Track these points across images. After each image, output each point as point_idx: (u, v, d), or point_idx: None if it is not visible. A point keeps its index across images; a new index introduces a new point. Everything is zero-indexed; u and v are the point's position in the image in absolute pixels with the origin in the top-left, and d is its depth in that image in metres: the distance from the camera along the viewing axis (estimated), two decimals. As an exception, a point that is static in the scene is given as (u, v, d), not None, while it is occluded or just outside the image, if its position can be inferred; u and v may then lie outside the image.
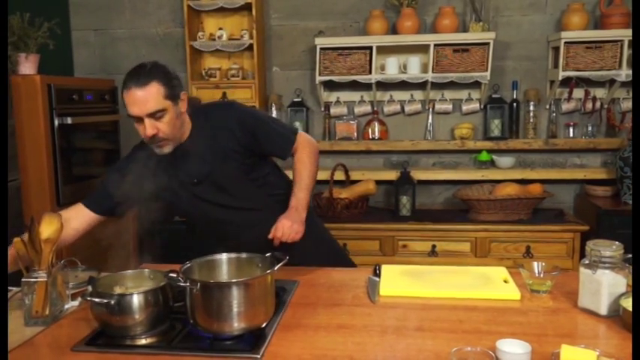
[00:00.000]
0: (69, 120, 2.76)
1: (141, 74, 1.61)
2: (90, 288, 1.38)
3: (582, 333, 1.39)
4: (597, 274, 1.45)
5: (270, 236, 1.70)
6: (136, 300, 1.33)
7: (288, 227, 1.70)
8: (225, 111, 1.86)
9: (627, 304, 1.39)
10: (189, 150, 1.76)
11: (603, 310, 1.44)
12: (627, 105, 3.35)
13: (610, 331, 1.37)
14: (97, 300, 1.33)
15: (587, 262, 1.48)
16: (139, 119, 1.63)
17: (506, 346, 1.20)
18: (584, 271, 1.49)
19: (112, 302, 1.32)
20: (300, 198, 1.79)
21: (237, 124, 1.79)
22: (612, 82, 3.25)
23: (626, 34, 3.08)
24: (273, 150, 1.89)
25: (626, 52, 3.11)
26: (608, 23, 3.16)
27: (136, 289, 1.39)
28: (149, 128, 1.62)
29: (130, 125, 3.85)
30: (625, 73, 3.13)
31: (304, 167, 1.87)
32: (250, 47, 3.43)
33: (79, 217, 1.82)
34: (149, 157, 1.74)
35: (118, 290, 1.41)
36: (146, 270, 1.51)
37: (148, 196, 1.67)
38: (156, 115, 1.62)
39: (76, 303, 1.56)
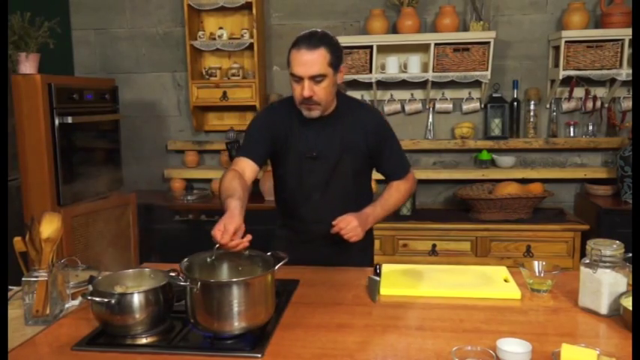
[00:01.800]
0: (69, 119, 2.76)
1: (312, 38, 1.71)
2: (90, 287, 1.38)
3: (583, 332, 1.39)
4: (598, 273, 1.45)
5: (334, 223, 1.75)
6: (137, 299, 1.33)
7: (353, 226, 1.75)
8: (369, 111, 1.94)
9: (628, 303, 1.39)
10: (325, 125, 1.83)
11: (604, 310, 1.44)
12: (628, 104, 3.34)
13: (610, 330, 1.37)
14: (97, 299, 1.33)
15: (587, 261, 1.48)
16: (299, 79, 1.71)
17: (506, 345, 1.20)
18: (584, 271, 1.49)
19: (113, 301, 1.32)
20: (377, 212, 1.87)
21: (374, 127, 1.90)
22: (613, 81, 3.25)
23: (627, 33, 3.08)
24: (387, 166, 1.96)
25: (627, 51, 3.10)
26: (608, 22, 3.15)
27: (136, 289, 1.39)
28: (307, 90, 1.71)
29: (130, 124, 3.86)
30: (625, 72, 3.13)
31: (397, 194, 1.95)
32: (251, 46, 3.43)
33: (248, 169, 1.82)
34: (287, 116, 1.84)
35: (118, 289, 1.41)
36: (147, 269, 1.51)
37: (279, 153, 1.83)
38: (316, 79, 1.71)
39: (76, 302, 1.56)
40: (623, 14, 3.13)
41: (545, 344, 1.25)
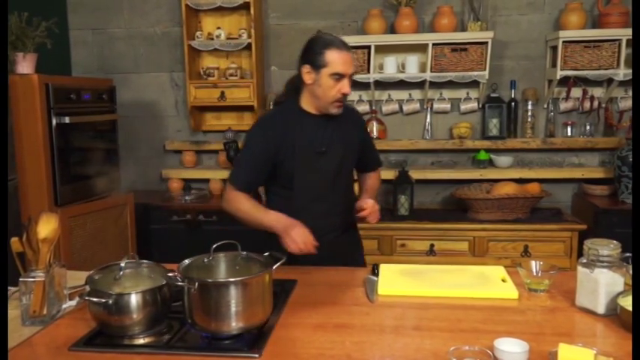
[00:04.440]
0: (67, 119, 2.76)
1: (342, 41, 1.88)
2: (88, 287, 1.38)
3: (580, 332, 1.39)
4: (595, 273, 1.45)
5: (365, 205, 1.91)
6: (134, 299, 1.33)
7: (376, 209, 1.95)
8: (353, 109, 2.17)
9: (625, 302, 1.39)
10: (327, 122, 1.94)
11: (601, 309, 1.44)
12: (625, 104, 3.35)
13: (608, 329, 1.38)
14: (94, 299, 1.33)
15: (584, 261, 1.48)
16: (340, 77, 1.84)
17: (504, 345, 1.20)
18: (581, 270, 1.49)
19: (110, 302, 1.32)
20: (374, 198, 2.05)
21: (361, 123, 2.15)
22: (610, 81, 3.25)
23: (624, 33, 3.09)
24: (370, 158, 2.17)
25: (624, 51, 3.11)
26: (606, 22, 3.16)
27: (134, 289, 1.39)
28: (347, 86, 1.86)
29: (127, 125, 3.84)
30: (623, 72, 3.13)
31: (378, 182, 2.21)
32: (248, 46, 3.43)
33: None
34: (288, 122, 1.93)
35: (116, 290, 1.40)
36: (145, 269, 1.50)
37: (285, 156, 1.90)
38: (352, 77, 1.88)
39: (73, 302, 1.56)
40: (620, 14, 3.13)
41: (543, 344, 1.26)
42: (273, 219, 1.84)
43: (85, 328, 1.41)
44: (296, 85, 1.96)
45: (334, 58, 1.82)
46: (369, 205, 1.92)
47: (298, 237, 1.73)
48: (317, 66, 1.84)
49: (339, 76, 1.83)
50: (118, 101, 3.29)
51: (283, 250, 1.68)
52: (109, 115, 3.16)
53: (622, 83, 3.23)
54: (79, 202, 2.90)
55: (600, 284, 1.44)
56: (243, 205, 1.90)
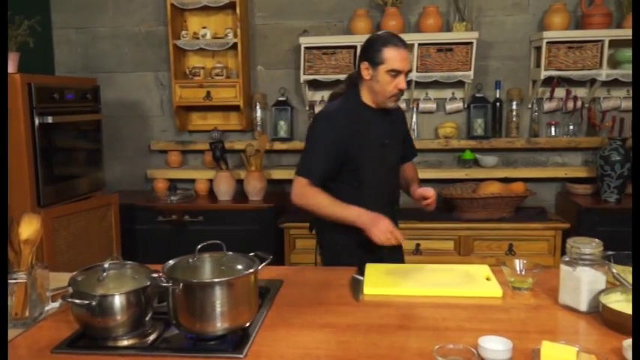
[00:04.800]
0: (50, 119, 2.72)
1: (399, 37, 1.97)
2: (70, 289, 1.37)
3: (563, 329, 1.41)
4: (577, 271, 1.47)
5: (428, 194, 2.05)
6: (118, 301, 1.32)
7: (435, 197, 2.07)
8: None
9: (606, 300, 1.41)
10: (383, 116, 2.04)
11: (583, 307, 1.46)
12: (607, 104, 3.39)
13: (590, 327, 1.39)
14: (77, 301, 1.32)
15: (567, 259, 1.50)
16: (397, 74, 1.93)
17: (487, 343, 1.21)
18: (564, 268, 1.51)
19: (93, 303, 1.30)
20: None
21: (403, 116, 2.28)
22: (593, 81, 3.29)
23: (607, 34, 3.13)
24: (408, 149, 2.27)
25: (607, 51, 3.15)
26: (588, 23, 3.20)
27: (117, 290, 1.38)
28: (404, 82, 1.96)
29: (112, 124, 3.80)
30: (605, 73, 3.17)
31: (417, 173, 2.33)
32: (234, 46, 3.42)
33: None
34: (352, 118, 1.99)
35: (99, 291, 1.39)
36: (128, 270, 1.49)
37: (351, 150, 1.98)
38: (408, 73, 1.99)
39: (56, 304, 1.54)
40: (603, 15, 3.17)
41: (526, 341, 1.27)
42: (356, 214, 1.89)
43: (68, 330, 1.40)
44: (355, 81, 2.05)
45: (392, 56, 1.91)
46: (431, 194, 2.05)
47: (385, 229, 1.83)
48: (375, 63, 1.93)
49: (395, 73, 1.92)
50: (102, 101, 3.25)
51: (343, 249, 1.95)
52: (93, 115, 3.12)
53: (604, 84, 3.27)
54: (63, 202, 2.86)
55: (582, 282, 1.46)
56: (322, 200, 1.93)
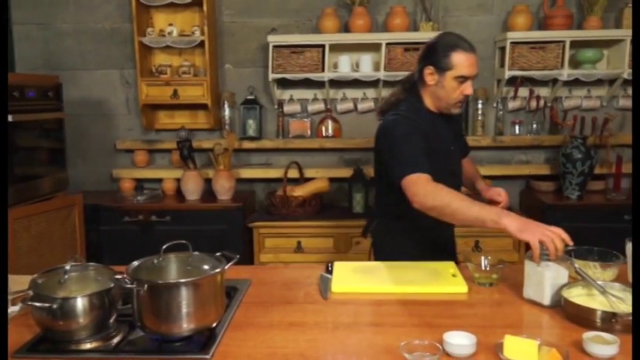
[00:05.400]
0: (9, 118, 2.64)
1: (467, 41, 1.87)
2: (31, 292, 1.33)
3: (526, 323, 1.44)
4: (541, 266, 1.50)
5: (499, 198, 2.00)
6: (80, 303, 1.29)
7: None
8: None
9: (568, 294, 1.45)
10: (446, 122, 1.98)
11: (546, 301, 1.49)
12: (569, 103, 3.48)
13: (552, 321, 1.43)
14: (38, 304, 1.28)
15: (531, 254, 1.53)
16: (464, 79, 1.84)
17: (452, 338, 1.23)
18: (528, 264, 1.54)
19: (55, 306, 1.27)
20: None
21: (459, 117, 2.20)
22: (555, 81, 3.37)
23: (568, 34, 3.20)
24: (465, 148, 2.23)
25: (568, 52, 3.23)
26: (550, 24, 3.27)
27: (80, 292, 1.34)
28: (471, 88, 1.87)
29: (76, 123, 3.71)
30: (567, 73, 3.25)
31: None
32: (202, 44, 3.38)
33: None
34: (421, 122, 1.89)
35: (61, 294, 1.35)
36: (91, 271, 1.46)
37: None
38: (474, 78, 1.89)
39: (16, 308, 1.50)
40: (564, 17, 3.25)
41: (490, 336, 1.29)
42: (496, 212, 1.59)
43: (28, 334, 1.36)
44: (413, 85, 1.95)
45: (460, 61, 1.81)
46: (503, 198, 2.00)
47: (545, 230, 1.51)
48: (441, 68, 1.83)
49: (463, 79, 1.83)
50: (65, 99, 3.17)
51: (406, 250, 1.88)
52: (55, 114, 3.04)
53: (566, 83, 3.36)
54: (23, 203, 2.78)
55: (546, 277, 1.49)
56: (453, 198, 1.65)
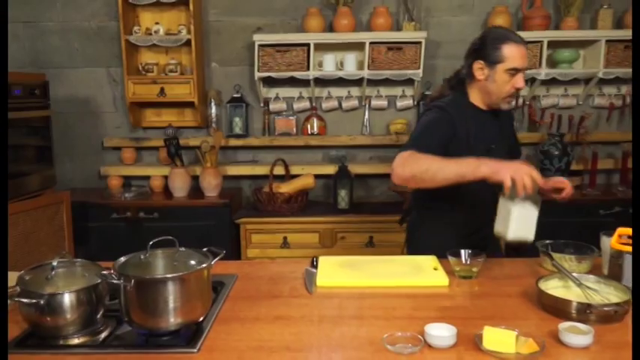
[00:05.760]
0: (-4, 115, 2.60)
1: (519, 35, 1.82)
2: (18, 288, 1.31)
3: (504, 315, 1.45)
4: (514, 201, 1.55)
5: (563, 184, 1.77)
6: (67, 299, 1.27)
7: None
8: None
9: (545, 286, 1.47)
10: (492, 118, 1.91)
11: (511, 234, 1.54)
12: (547, 102, 3.52)
13: (530, 312, 1.44)
14: (25, 300, 1.27)
15: (506, 194, 1.58)
16: (516, 72, 1.80)
17: (433, 330, 1.24)
18: (501, 200, 1.60)
19: (42, 302, 1.26)
20: None
21: (513, 115, 2.15)
22: (533, 80, 3.40)
23: (546, 35, 3.24)
24: (515, 148, 2.11)
25: (546, 52, 3.26)
26: (529, 25, 3.30)
27: (67, 288, 1.33)
28: (522, 81, 1.81)
29: (63, 121, 3.66)
30: (544, 72, 3.29)
31: None
32: (188, 42, 3.36)
33: None
34: (462, 116, 1.84)
35: (48, 290, 1.34)
36: (78, 267, 1.44)
37: (458, 150, 1.76)
38: (525, 71, 1.84)
39: (4, 304, 1.48)
40: (542, 17, 3.28)
41: (470, 327, 1.30)
42: (475, 161, 1.58)
43: (16, 329, 1.35)
44: (460, 81, 1.93)
45: (512, 53, 1.78)
46: (567, 184, 1.79)
47: (517, 169, 1.52)
48: (492, 62, 1.80)
49: (515, 71, 1.80)
50: (52, 97, 3.13)
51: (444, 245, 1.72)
52: (41, 111, 3.00)
53: (544, 82, 3.39)
54: (10, 201, 2.74)
55: (512, 212, 1.55)
56: (431, 162, 1.63)
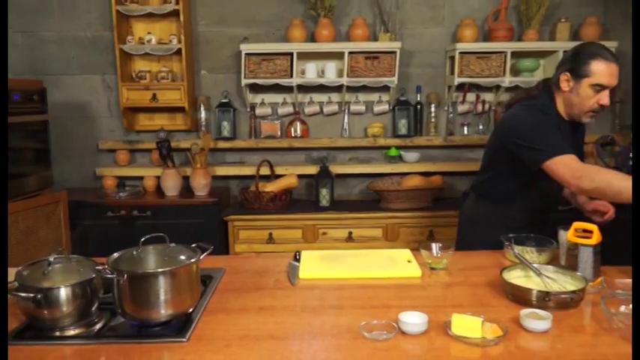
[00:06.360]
0: (-5, 120, 2.55)
1: (611, 52, 1.74)
2: (16, 283, 1.29)
3: (472, 303, 1.46)
4: None
5: (606, 208, 1.82)
6: (64, 293, 1.26)
7: None
8: None
9: (508, 276, 1.49)
10: (573, 131, 1.86)
11: None
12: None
13: (495, 300, 1.46)
14: (23, 295, 1.25)
15: None
16: (602, 89, 1.72)
17: (407, 318, 1.25)
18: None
19: (39, 296, 1.24)
20: None
21: (585, 131, 1.99)
22: (498, 87, 3.45)
23: (509, 46, 3.28)
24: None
25: (509, 61, 3.30)
26: (494, 36, 3.34)
27: (63, 283, 1.31)
28: (607, 97, 1.73)
29: (60, 125, 3.61)
30: (508, 80, 3.32)
31: None
32: (179, 51, 3.33)
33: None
34: (554, 122, 1.79)
35: (45, 284, 1.32)
36: (74, 263, 1.42)
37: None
38: (613, 89, 1.75)
39: (2, 299, 1.45)
40: (506, 30, 3.32)
41: (440, 315, 1.31)
42: None
43: (14, 322, 1.32)
44: (548, 88, 1.87)
45: (600, 69, 1.71)
46: (609, 208, 1.82)
47: None
48: (578, 75, 1.74)
49: (600, 87, 1.72)
50: (50, 102, 3.08)
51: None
52: (39, 116, 2.95)
53: (508, 89, 3.42)
54: (11, 200, 2.69)
55: None
56: (613, 177, 1.55)
